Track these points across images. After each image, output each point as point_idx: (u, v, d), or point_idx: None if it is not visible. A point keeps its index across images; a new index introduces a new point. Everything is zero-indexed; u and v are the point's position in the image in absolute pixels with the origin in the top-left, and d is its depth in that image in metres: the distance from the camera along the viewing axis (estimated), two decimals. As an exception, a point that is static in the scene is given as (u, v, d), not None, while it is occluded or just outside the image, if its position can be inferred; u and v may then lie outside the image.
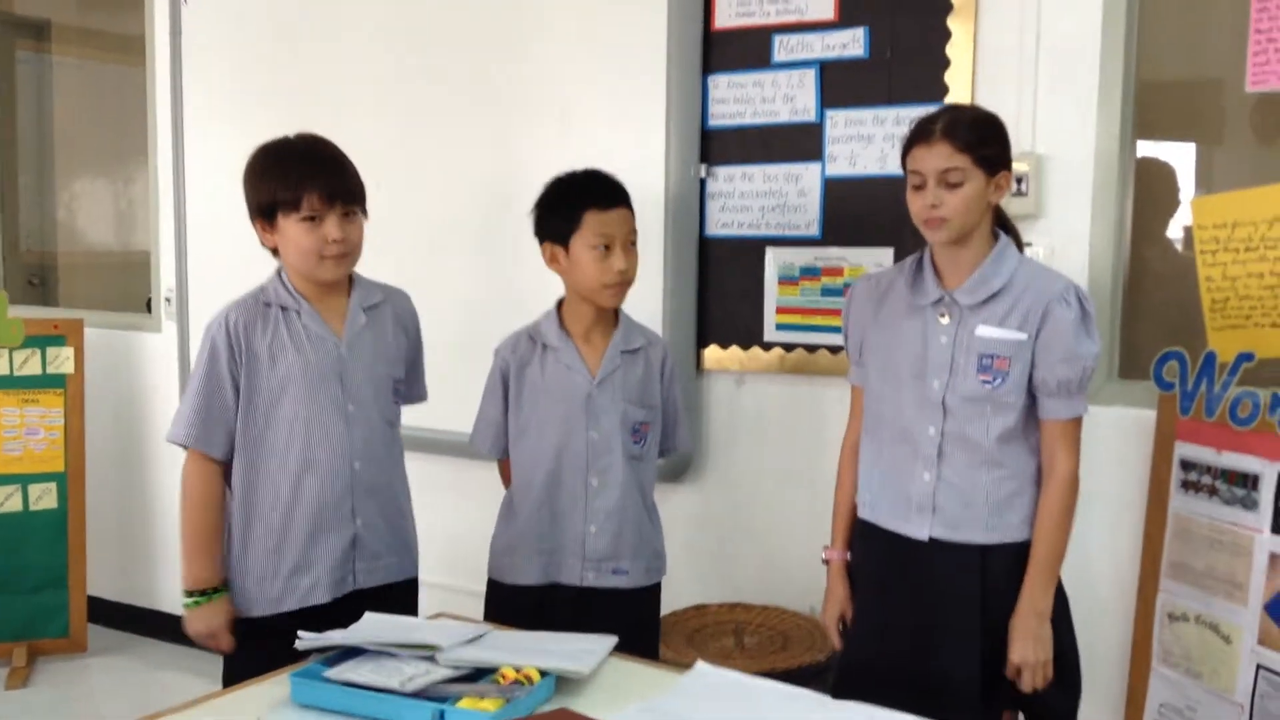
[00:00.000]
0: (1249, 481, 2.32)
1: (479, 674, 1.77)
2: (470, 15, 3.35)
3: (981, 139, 2.02)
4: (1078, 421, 2.07)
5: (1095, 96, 2.62)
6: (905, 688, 1.85)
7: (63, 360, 3.99)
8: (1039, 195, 2.65)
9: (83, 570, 4.03)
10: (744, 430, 3.13)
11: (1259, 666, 2.27)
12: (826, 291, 2.95)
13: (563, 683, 1.77)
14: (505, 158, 3.30)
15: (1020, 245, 2.16)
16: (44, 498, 3.97)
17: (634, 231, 2.33)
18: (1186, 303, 2.53)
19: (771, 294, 3.03)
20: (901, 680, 2.03)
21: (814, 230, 2.96)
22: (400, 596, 2.34)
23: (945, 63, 2.75)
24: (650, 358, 2.41)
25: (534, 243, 2.39)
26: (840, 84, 2.90)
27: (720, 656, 2.68)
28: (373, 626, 1.95)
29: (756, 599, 3.06)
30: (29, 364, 3.95)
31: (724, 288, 3.09)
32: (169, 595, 4.23)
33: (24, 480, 3.96)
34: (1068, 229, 2.64)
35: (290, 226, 2.18)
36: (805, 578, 3.01)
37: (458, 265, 3.39)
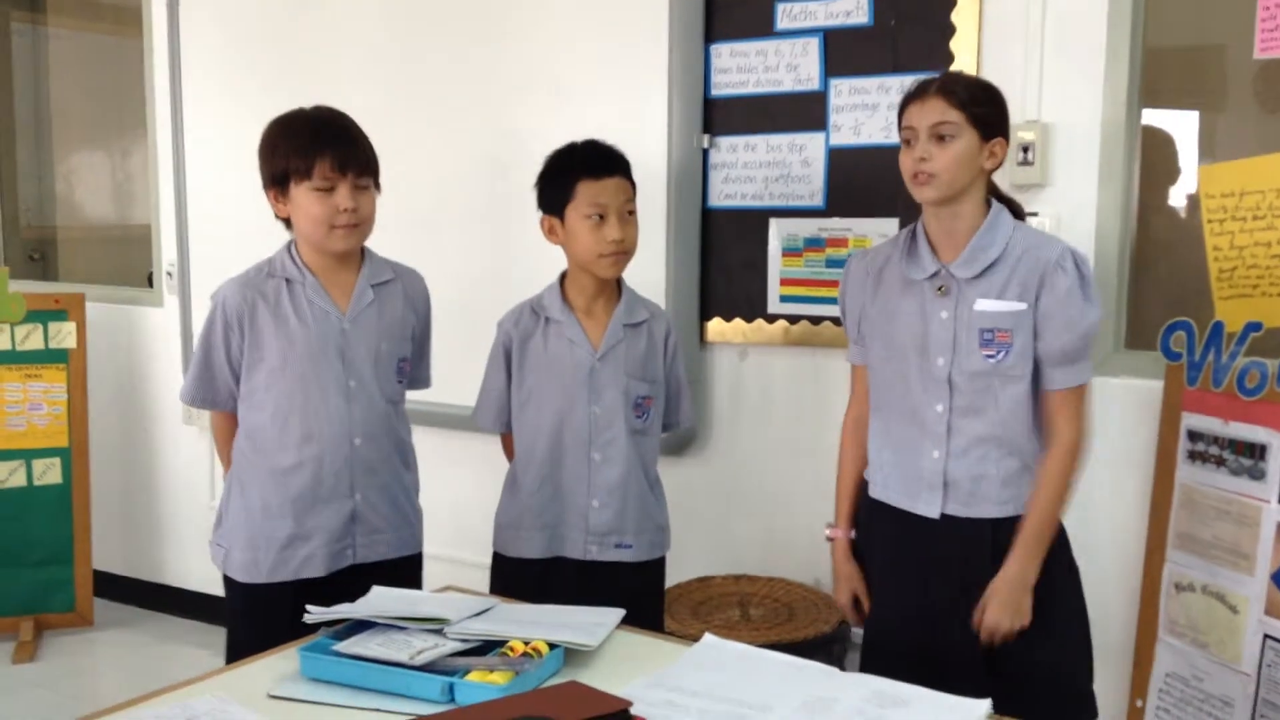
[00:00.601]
0: (1256, 452, 2.31)
1: (487, 647, 1.77)
2: (470, -15, 3.33)
3: (975, 99, 2.01)
4: (1082, 389, 2.06)
5: (1102, 63, 2.60)
6: (922, 665, 1.85)
7: (65, 335, 3.98)
8: (1045, 164, 2.64)
9: (88, 544, 4.04)
10: (747, 403, 3.12)
11: (1266, 636, 2.27)
12: (831, 263, 2.93)
13: (571, 655, 1.78)
14: (504, 130, 3.28)
15: (1021, 217, 2.14)
16: (48, 472, 3.98)
17: (630, 201, 2.32)
18: (1194, 272, 2.52)
19: (775, 266, 3.02)
20: (918, 658, 2.02)
21: (818, 201, 2.95)
22: (402, 572, 2.34)
23: (950, 30, 2.73)
24: (653, 331, 2.40)
25: (532, 215, 2.38)
26: (844, 52, 2.88)
27: (726, 628, 2.68)
28: (381, 600, 1.94)
29: (760, 571, 3.07)
30: (31, 339, 3.95)
31: (727, 259, 3.08)
32: (174, 569, 4.24)
33: (28, 455, 3.96)
34: (1074, 198, 2.63)
35: (302, 195, 2.18)
36: (809, 550, 3.01)
37: (456, 239, 3.38)
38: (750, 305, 3.06)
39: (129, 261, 4.60)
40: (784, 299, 3.02)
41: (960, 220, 2.05)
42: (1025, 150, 2.61)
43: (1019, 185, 2.62)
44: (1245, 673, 2.31)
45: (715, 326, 3.11)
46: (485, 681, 1.65)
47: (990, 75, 2.47)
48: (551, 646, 1.75)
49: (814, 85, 2.92)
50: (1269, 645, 2.27)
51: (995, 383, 2.03)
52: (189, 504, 4.17)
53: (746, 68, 3.00)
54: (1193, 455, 2.44)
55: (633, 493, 2.37)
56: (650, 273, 2.87)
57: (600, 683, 1.66)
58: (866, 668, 1.78)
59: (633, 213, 2.32)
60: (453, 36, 3.36)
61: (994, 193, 2.12)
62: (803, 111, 2.94)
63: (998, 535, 2.06)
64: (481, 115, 3.33)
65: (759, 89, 2.99)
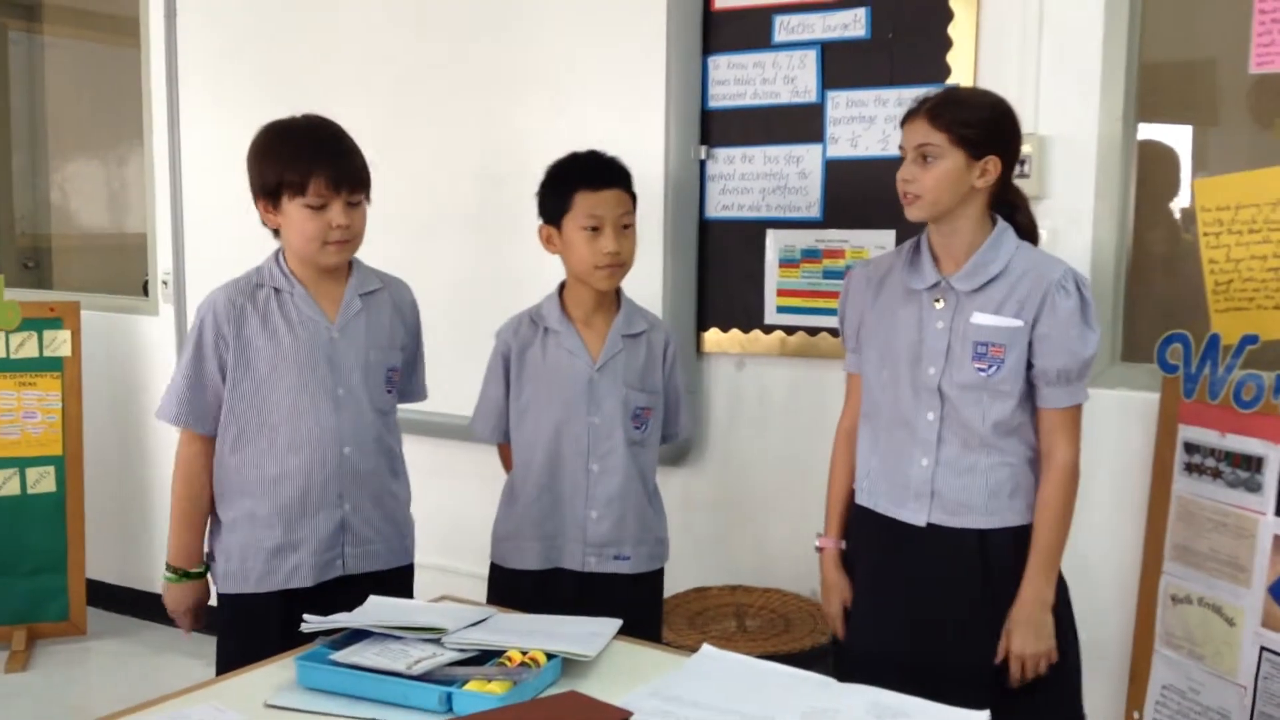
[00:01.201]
0: (1253, 464, 2.31)
1: (485, 657, 1.77)
2: (468, -5, 3.33)
3: (964, 120, 2.00)
4: (1078, 409, 2.06)
5: (1098, 77, 2.61)
6: (906, 676, 1.85)
7: (59, 343, 3.98)
8: (1041, 177, 2.64)
9: (81, 553, 4.02)
10: (744, 414, 3.12)
11: (1262, 649, 2.27)
12: (828, 274, 2.94)
13: (569, 665, 1.77)
14: (501, 140, 3.28)
15: (1035, 236, 2.14)
16: (42, 481, 3.97)
17: (629, 214, 2.31)
18: (1190, 285, 2.53)
19: (772, 277, 3.02)
20: (903, 669, 2.03)
21: (815, 212, 2.95)
22: (393, 583, 2.32)
23: (947, 43, 2.74)
24: (652, 342, 2.40)
25: (530, 225, 2.38)
26: (841, 65, 2.89)
27: (722, 639, 2.68)
28: (378, 609, 1.94)
29: (756, 582, 3.06)
30: (25, 347, 3.94)
31: (724, 270, 3.08)
32: (167, 579, 4.22)
33: (22, 464, 3.95)
34: (1070, 211, 2.63)
35: (294, 210, 2.17)
36: (805, 561, 3.00)
37: (453, 248, 3.38)
38: (747, 316, 3.06)
39: (124, 270, 4.60)
40: (781, 310, 3.02)
41: (958, 236, 2.06)
42: (1022, 163, 2.61)
43: (1016, 198, 2.63)
44: (1242, 685, 2.31)
45: (712, 337, 3.11)
46: (483, 691, 1.65)
47: (987, 88, 2.47)
48: (549, 656, 1.75)
49: (811, 97, 2.93)
50: (1266, 657, 2.27)
51: (985, 396, 2.04)
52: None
53: (744, 79, 3.01)
54: (1189, 467, 2.44)
55: (631, 504, 2.36)
56: (647, 283, 2.87)
57: (598, 693, 1.66)
58: (846, 677, 1.77)
59: (630, 226, 2.32)
60: (450, 47, 3.36)
61: (1011, 209, 2.12)
62: (800, 123, 2.95)
63: (985, 547, 2.06)
64: (479, 125, 3.33)
65: (756, 101, 3.00)
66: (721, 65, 3.03)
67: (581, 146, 2.39)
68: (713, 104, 3.05)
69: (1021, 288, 2.02)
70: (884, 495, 2.15)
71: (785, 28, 2.95)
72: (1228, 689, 2.33)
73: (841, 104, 2.89)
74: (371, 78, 3.49)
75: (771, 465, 3.09)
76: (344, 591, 2.20)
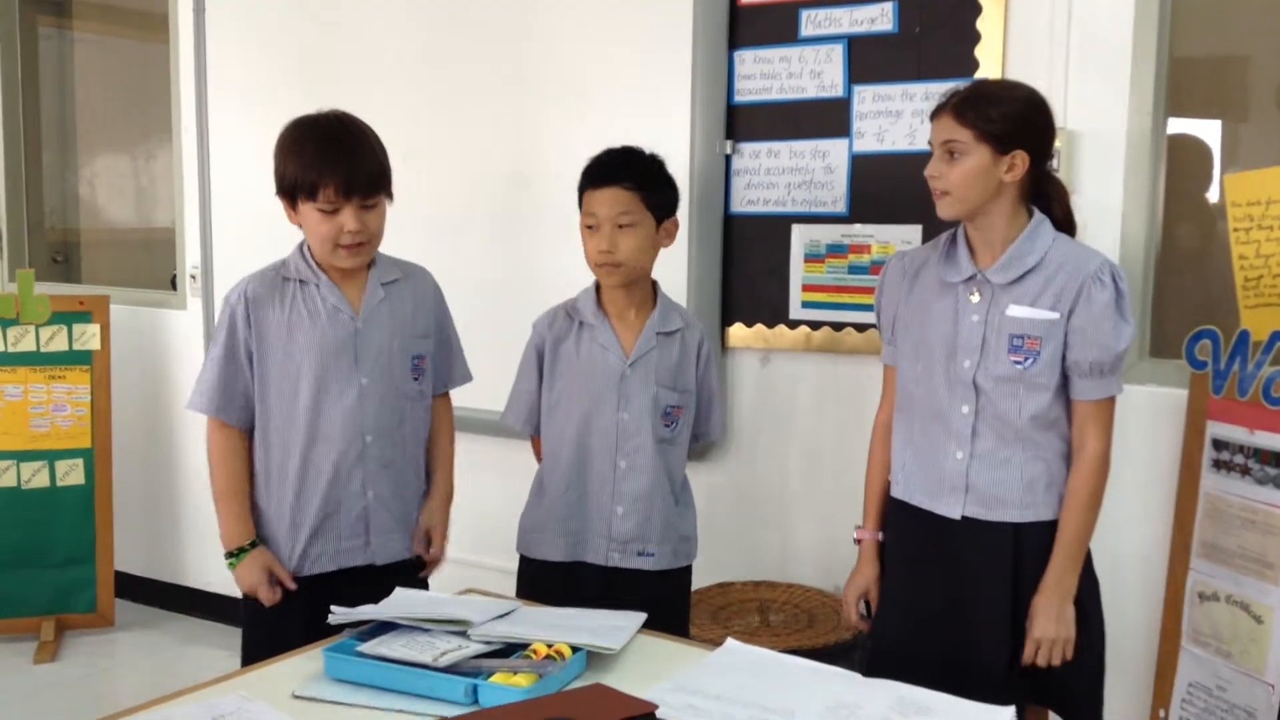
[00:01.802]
0: (1282, 461, 2.30)
1: (511, 649, 1.78)
2: (494, -9, 3.34)
3: (990, 115, 1.99)
4: (1110, 402, 2.05)
5: (1128, 72, 2.60)
6: (936, 670, 1.85)
7: (89, 337, 4.01)
8: (1070, 171, 2.63)
9: (110, 545, 4.05)
10: (769, 409, 3.12)
11: (1290, 646, 2.26)
12: (853, 269, 2.93)
13: (594, 658, 1.78)
14: (527, 136, 3.29)
15: (1072, 227, 2.13)
16: (71, 473, 4.00)
17: (627, 213, 2.28)
18: (1219, 280, 2.51)
19: (797, 272, 3.02)
20: (932, 663, 2.02)
21: (841, 207, 2.94)
22: (414, 572, 2.36)
23: (976, 37, 2.72)
24: (686, 340, 2.40)
25: (557, 222, 2.39)
26: (868, 59, 2.88)
27: (746, 634, 2.68)
28: (404, 601, 1.95)
29: (780, 577, 3.06)
30: (55, 340, 3.97)
31: (749, 265, 3.08)
32: (196, 570, 4.26)
33: (51, 456, 3.98)
34: (1099, 206, 2.62)
35: (309, 212, 2.20)
36: (828, 557, 3.01)
37: (481, 244, 3.39)
38: (772, 311, 3.06)
39: (152, 264, 4.63)
40: (806, 305, 3.01)
41: (993, 230, 2.05)
42: (1051, 158, 2.60)
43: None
44: (1269, 683, 2.29)
45: (737, 332, 3.11)
46: (509, 684, 1.66)
47: (1017, 80, 2.46)
48: (574, 649, 1.75)
49: (838, 92, 2.92)
50: (1294, 656, 2.25)
51: (1020, 389, 2.03)
52: (210, 506, 4.16)
53: (770, 74, 3.00)
54: (1217, 464, 2.42)
55: (658, 502, 2.36)
56: (673, 278, 2.86)
57: (622, 686, 1.66)
58: (875, 670, 1.77)
59: (630, 225, 2.28)
60: (476, 43, 3.37)
61: (1048, 200, 2.11)
62: (826, 118, 2.94)
63: (1019, 541, 2.06)
64: (505, 121, 3.34)
65: (782, 95, 2.99)
66: (747, 60, 3.03)
67: (608, 143, 2.39)
68: (738, 99, 3.05)
69: (1058, 280, 2.02)
70: (919, 488, 2.15)
71: (812, 22, 2.94)
72: (1255, 687, 2.32)
73: (868, 98, 2.89)
74: (399, 75, 3.50)
75: (795, 461, 3.09)
76: (368, 580, 2.22)
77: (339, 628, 1.88)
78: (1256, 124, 2.86)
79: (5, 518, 3.94)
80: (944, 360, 2.09)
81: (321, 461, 2.25)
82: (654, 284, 2.41)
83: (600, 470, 2.35)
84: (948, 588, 2.10)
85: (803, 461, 3.07)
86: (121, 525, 4.11)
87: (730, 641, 1.89)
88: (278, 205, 2.27)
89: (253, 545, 2.27)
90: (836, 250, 2.95)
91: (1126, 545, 2.59)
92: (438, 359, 2.42)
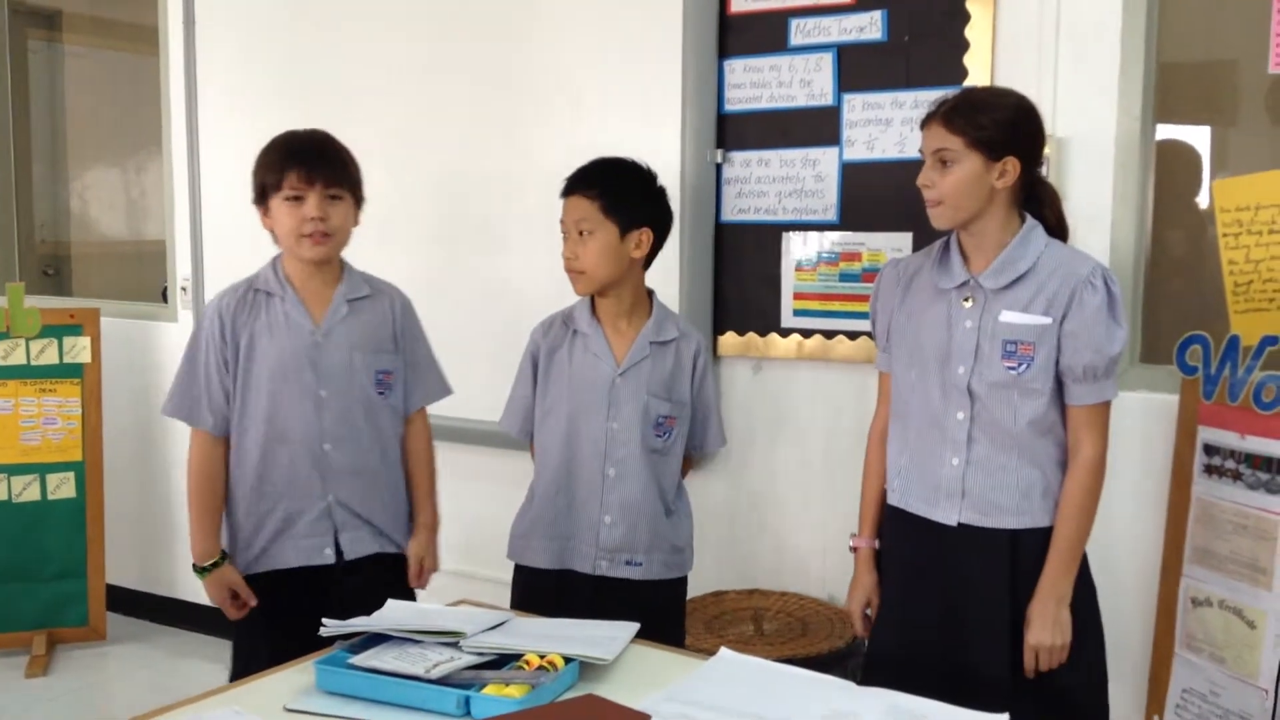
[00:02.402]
0: (1273, 466, 2.30)
1: (503, 660, 1.78)
2: (483, 1, 3.33)
3: (980, 122, 2.00)
4: (1105, 406, 2.05)
5: (1116, 78, 2.60)
6: (933, 678, 1.84)
7: (79, 350, 4.00)
8: (1059, 178, 2.63)
9: (101, 559, 4.04)
10: (761, 417, 3.12)
11: (1283, 651, 2.26)
12: (845, 277, 2.93)
13: (586, 669, 1.78)
14: (519, 146, 3.29)
15: (1064, 232, 2.13)
16: (62, 487, 3.99)
17: (585, 220, 2.30)
18: (1209, 286, 2.51)
19: (789, 280, 3.02)
20: (929, 671, 2.02)
21: (831, 215, 2.95)
22: (391, 567, 2.45)
23: (964, 45, 2.73)
24: (681, 350, 2.40)
25: (549, 231, 2.40)
26: (858, 67, 2.89)
27: (740, 643, 2.68)
28: (396, 613, 1.95)
29: (774, 585, 3.06)
30: (46, 354, 3.96)
31: (741, 274, 3.08)
32: (188, 583, 4.22)
33: (42, 470, 3.97)
34: (1089, 212, 2.62)
35: (277, 206, 2.31)
36: (822, 565, 3.01)
37: (471, 253, 3.38)
38: (763, 320, 3.06)
39: (143, 277, 4.62)
40: (797, 313, 3.02)
41: (986, 237, 2.06)
42: (1042, 164, 2.61)
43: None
44: (1263, 688, 2.29)
45: (728, 341, 3.11)
46: (501, 695, 1.65)
47: (1006, 87, 2.47)
48: (567, 660, 1.75)
49: (827, 100, 2.93)
50: (1287, 661, 2.26)
51: (1015, 395, 2.03)
52: (202, 518, 4.17)
53: (760, 83, 3.01)
54: (1209, 469, 2.43)
55: (646, 512, 2.36)
56: (664, 287, 2.85)
57: (616, 696, 1.66)
58: (870, 678, 1.77)
59: (590, 232, 2.29)
60: (466, 53, 3.37)
61: (1040, 205, 2.11)
62: (816, 126, 2.95)
63: (1016, 547, 2.06)
64: (497, 132, 3.34)
65: (772, 104, 3.00)
66: (737, 69, 3.03)
67: (598, 152, 2.40)
68: (729, 108, 3.05)
69: (1050, 285, 2.02)
70: (915, 495, 2.15)
71: (801, 31, 2.95)
72: (1249, 692, 2.32)
73: (858, 106, 2.89)
74: (389, 86, 3.50)
75: (789, 468, 3.08)
76: (346, 574, 2.37)
77: (330, 639, 1.87)
78: (1245, 129, 2.86)
79: (-4, 532, 3.92)
80: (938, 367, 2.09)
81: (281, 466, 2.35)
82: (650, 293, 2.41)
83: (589, 478, 2.35)
84: (944, 595, 2.10)
85: (795, 470, 3.07)
86: (113, 539, 4.09)
87: (724, 651, 1.89)
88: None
89: (216, 564, 2.37)
90: (828, 258, 2.96)
91: (1119, 551, 2.59)
92: (407, 377, 2.48)
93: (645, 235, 2.34)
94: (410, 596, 2.46)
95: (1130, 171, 2.61)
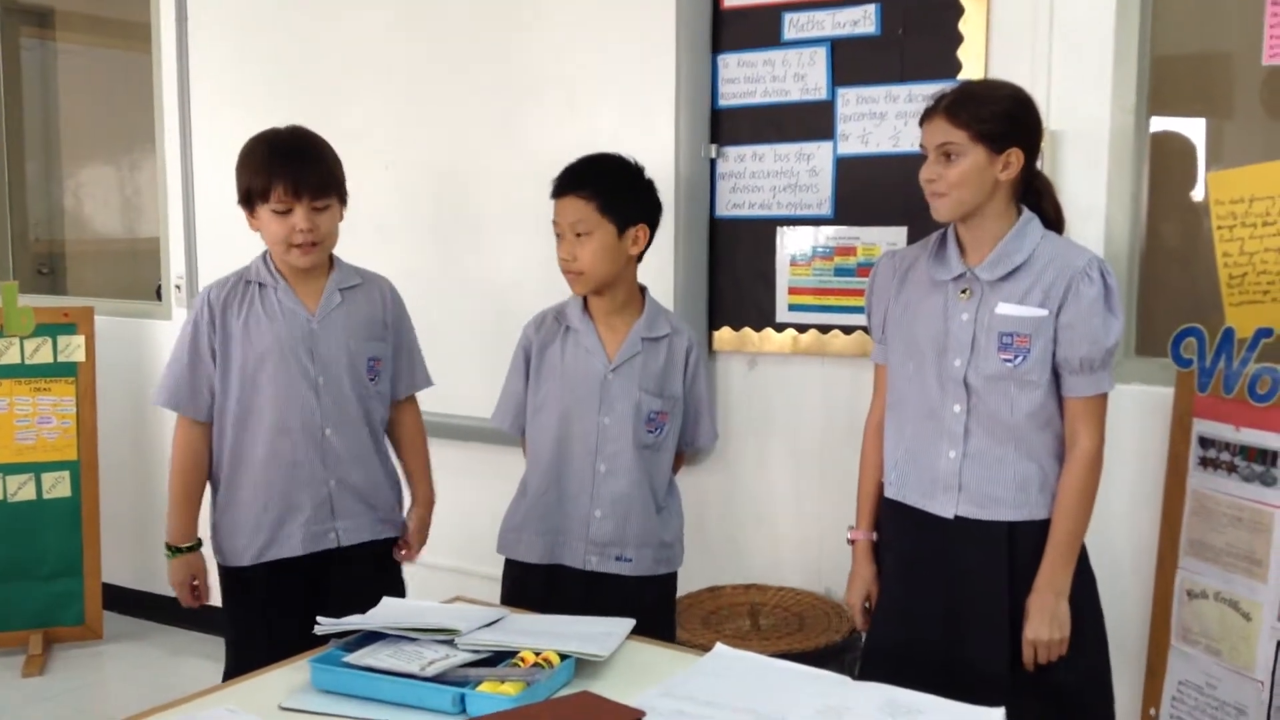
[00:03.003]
0: (1268, 458, 2.30)
1: (498, 658, 1.77)
2: (476, -3, 3.33)
3: (983, 115, 2.00)
4: (1102, 398, 2.05)
5: (1110, 71, 2.60)
6: (931, 672, 1.84)
7: (74, 348, 3.99)
8: (1054, 171, 2.63)
9: (97, 558, 4.03)
10: (756, 412, 3.12)
11: (1279, 643, 2.26)
12: (839, 271, 2.93)
13: (582, 665, 1.77)
14: (512, 141, 3.28)
15: (1060, 224, 2.13)
16: (57, 486, 3.98)
17: (582, 221, 2.29)
18: (1204, 278, 2.51)
19: (783, 275, 3.01)
20: (927, 664, 2.02)
21: (826, 210, 2.94)
22: (382, 554, 2.52)
23: (958, 39, 2.73)
24: (674, 346, 2.40)
25: (542, 226, 2.40)
26: (852, 61, 2.88)
27: (736, 638, 2.68)
28: (391, 611, 1.95)
29: (770, 581, 3.06)
30: (40, 352, 3.96)
31: (735, 269, 3.08)
32: (183, 582, 4.23)
33: (37, 469, 3.96)
34: (1083, 205, 2.62)
35: (264, 214, 2.35)
36: (818, 559, 3.01)
37: (464, 249, 3.38)
38: (758, 314, 3.06)
39: (137, 275, 4.61)
40: (792, 308, 3.01)
41: (984, 229, 2.06)
42: (1040, 155, 2.61)
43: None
44: (1259, 680, 2.29)
45: (723, 336, 3.11)
46: (497, 692, 1.65)
47: (1003, 79, 2.46)
48: (562, 657, 1.75)
49: (821, 95, 2.92)
50: (1283, 653, 2.26)
51: (1011, 387, 2.03)
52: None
53: (754, 78, 3.00)
54: (1204, 462, 2.43)
55: (636, 507, 2.36)
56: (658, 282, 2.85)
57: (611, 693, 1.66)
58: (868, 671, 1.77)
59: (587, 233, 2.28)
60: (460, 48, 3.36)
61: (1037, 197, 2.11)
62: (810, 121, 2.94)
63: (1014, 540, 2.06)
64: (491, 127, 3.33)
65: (766, 99, 2.99)
66: (731, 63, 3.03)
67: (592, 147, 2.40)
68: (723, 102, 3.05)
69: (1046, 277, 2.02)
70: (912, 487, 2.15)
71: (795, 25, 2.94)
72: (1245, 684, 2.32)
73: (852, 101, 2.89)
74: (382, 82, 3.49)
75: (784, 463, 3.08)
76: (333, 561, 2.42)
77: (325, 638, 1.87)
78: (1239, 121, 2.86)
79: (-8, 531, 3.91)
80: (935, 359, 2.09)
81: (283, 454, 2.38)
82: (643, 289, 2.41)
83: (579, 473, 2.35)
84: (942, 588, 2.10)
85: (791, 464, 3.07)
86: (109, 537, 4.08)
87: (719, 646, 1.89)
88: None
89: (189, 549, 2.45)
90: (822, 253, 2.95)
91: (1115, 544, 2.59)
92: (396, 364, 2.53)
93: (642, 231, 2.34)
94: (400, 589, 2.51)
95: (1125, 164, 2.61)
